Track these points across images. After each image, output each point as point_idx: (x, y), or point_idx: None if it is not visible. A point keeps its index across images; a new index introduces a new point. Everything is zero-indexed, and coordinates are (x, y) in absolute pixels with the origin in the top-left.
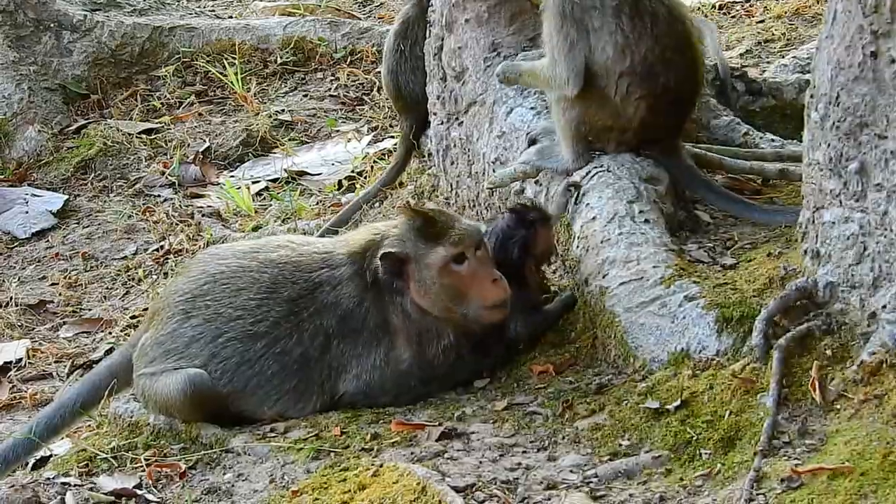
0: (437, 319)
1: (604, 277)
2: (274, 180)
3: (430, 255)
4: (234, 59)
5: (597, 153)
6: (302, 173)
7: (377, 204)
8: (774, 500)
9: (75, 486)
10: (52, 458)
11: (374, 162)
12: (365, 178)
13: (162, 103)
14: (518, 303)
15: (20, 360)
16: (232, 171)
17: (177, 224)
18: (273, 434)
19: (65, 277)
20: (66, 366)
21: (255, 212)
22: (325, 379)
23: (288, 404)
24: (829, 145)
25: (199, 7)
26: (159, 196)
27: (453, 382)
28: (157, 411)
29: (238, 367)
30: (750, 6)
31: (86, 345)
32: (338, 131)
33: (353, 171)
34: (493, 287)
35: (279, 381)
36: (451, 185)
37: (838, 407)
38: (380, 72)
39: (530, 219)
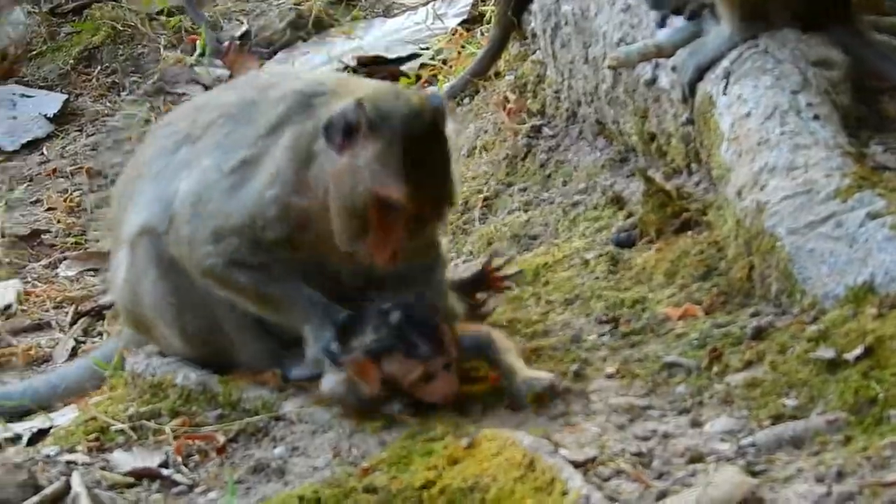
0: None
1: (761, 190)
2: None
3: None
4: None
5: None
6: (372, 61)
7: (465, 100)
8: None
9: (83, 464)
10: (52, 430)
11: (462, 46)
12: (450, 66)
13: None
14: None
15: (9, 306)
16: (278, 60)
17: None
18: None
19: (65, 200)
20: (67, 312)
21: None
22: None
23: None
24: None
25: None
26: (184, 94)
27: None
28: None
29: None
30: None
31: (93, 286)
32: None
33: (433, 58)
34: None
35: None
36: (562, 75)
37: None
38: None
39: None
